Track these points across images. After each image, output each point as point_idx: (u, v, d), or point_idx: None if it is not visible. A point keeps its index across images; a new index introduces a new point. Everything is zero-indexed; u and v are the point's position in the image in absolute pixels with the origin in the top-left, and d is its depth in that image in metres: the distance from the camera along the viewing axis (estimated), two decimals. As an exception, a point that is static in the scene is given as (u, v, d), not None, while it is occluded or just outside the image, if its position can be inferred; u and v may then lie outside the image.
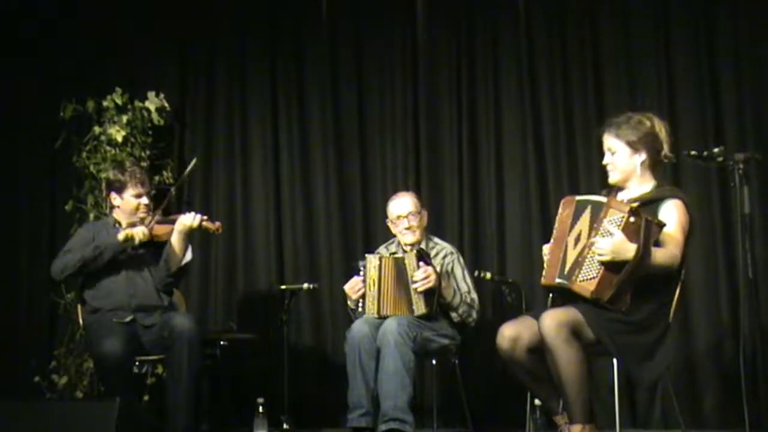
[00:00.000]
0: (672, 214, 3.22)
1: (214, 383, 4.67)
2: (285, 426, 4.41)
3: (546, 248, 3.33)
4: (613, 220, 3.11)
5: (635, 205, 3.13)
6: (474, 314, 4.06)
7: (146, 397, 4.68)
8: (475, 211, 4.92)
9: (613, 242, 3.06)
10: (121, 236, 3.91)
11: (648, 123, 3.32)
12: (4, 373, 4.96)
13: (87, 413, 3.22)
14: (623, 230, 3.06)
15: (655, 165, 3.34)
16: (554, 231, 3.33)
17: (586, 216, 3.22)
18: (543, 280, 3.32)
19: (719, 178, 4.44)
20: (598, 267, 3.11)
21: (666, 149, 3.32)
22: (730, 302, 4.41)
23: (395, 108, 5.12)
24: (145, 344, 3.93)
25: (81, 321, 4.13)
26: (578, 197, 3.33)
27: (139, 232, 3.91)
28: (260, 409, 4.10)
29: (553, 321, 3.10)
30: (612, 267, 3.09)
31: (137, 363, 4.03)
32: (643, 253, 3.06)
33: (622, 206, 3.12)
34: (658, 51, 4.70)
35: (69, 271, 3.96)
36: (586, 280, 3.13)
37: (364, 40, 5.23)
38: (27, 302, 5.22)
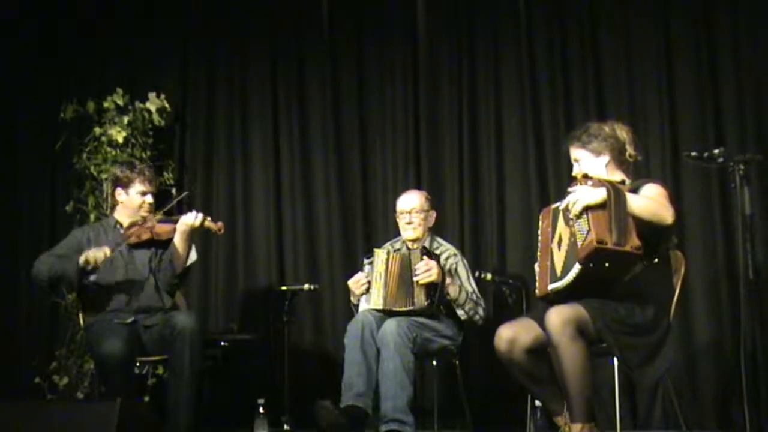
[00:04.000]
0: (652, 191, 3.21)
1: (215, 384, 4.68)
2: (286, 426, 4.42)
3: (536, 267, 3.35)
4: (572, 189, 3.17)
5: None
6: (481, 312, 4.05)
7: (147, 398, 4.68)
8: (475, 212, 4.92)
9: (576, 192, 3.11)
10: (81, 259, 3.86)
11: (606, 128, 3.37)
12: (4, 373, 4.96)
13: (88, 414, 3.19)
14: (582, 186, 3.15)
15: (621, 164, 3.35)
16: (539, 244, 3.34)
17: (562, 219, 3.23)
18: (537, 293, 3.32)
19: (720, 179, 4.44)
20: (585, 220, 3.07)
21: (630, 149, 3.34)
22: (730, 303, 4.41)
23: (395, 108, 5.12)
24: (146, 344, 3.92)
25: (81, 322, 4.13)
26: (553, 206, 3.35)
27: (100, 255, 3.84)
28: (261, 409, 4.10)
29: (560, 317, 3.08)
30: (597, 213, 3.05)
31: (138, 363, 4.02)
32: (615, 189, 3.06)
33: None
34: (658, 51, 4.70)
35: (39, 283, 3.97)
36: (585, 240, 3.06)
37: (364, 41, 5.23)
38: (28, 303, 5.21)
